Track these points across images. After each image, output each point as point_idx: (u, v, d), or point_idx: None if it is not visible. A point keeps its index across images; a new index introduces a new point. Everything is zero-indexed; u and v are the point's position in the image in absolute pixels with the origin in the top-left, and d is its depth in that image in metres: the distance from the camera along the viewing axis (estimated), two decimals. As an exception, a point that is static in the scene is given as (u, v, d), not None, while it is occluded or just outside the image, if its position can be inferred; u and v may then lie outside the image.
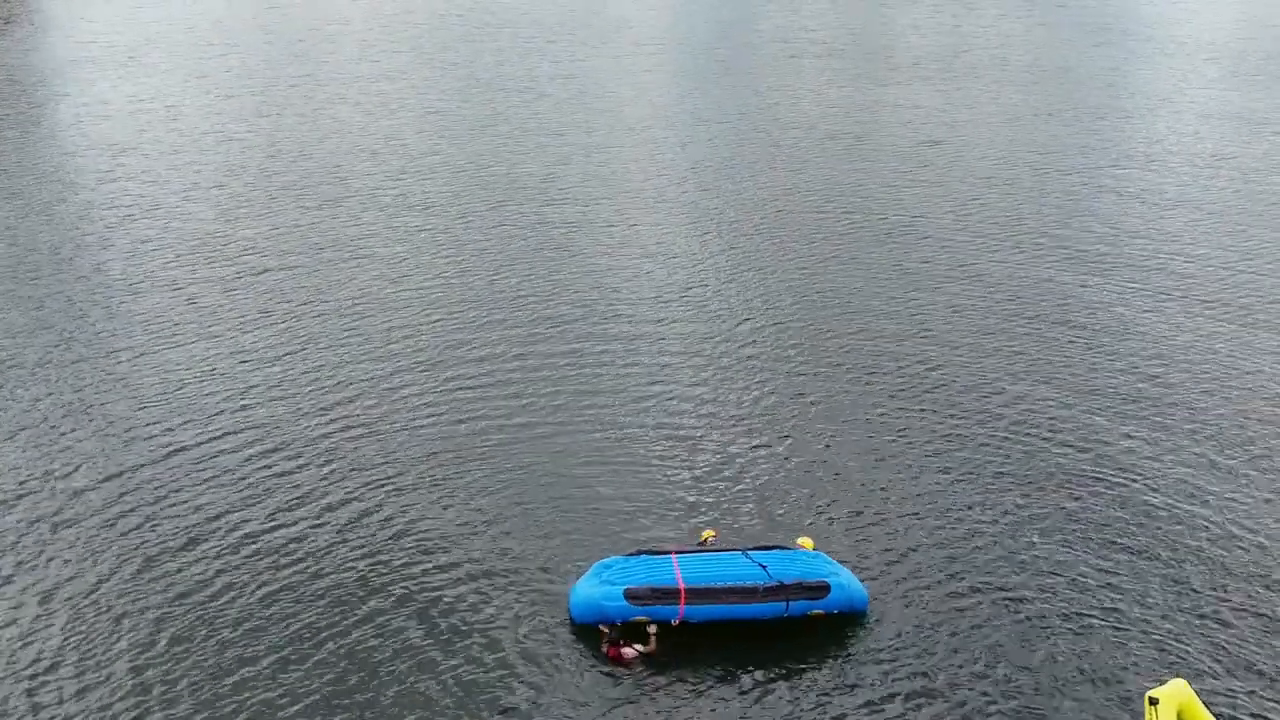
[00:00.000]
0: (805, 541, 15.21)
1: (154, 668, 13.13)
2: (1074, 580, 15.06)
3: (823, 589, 13.98)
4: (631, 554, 14.69)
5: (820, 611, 14.01)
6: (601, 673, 13.30)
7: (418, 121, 36.66)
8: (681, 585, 13.78)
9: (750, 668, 13.42)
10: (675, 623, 13.79)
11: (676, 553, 14.59)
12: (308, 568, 14.89)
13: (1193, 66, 46.80)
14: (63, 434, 17.96)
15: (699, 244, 26.64)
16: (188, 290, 23.33)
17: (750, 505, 16.55)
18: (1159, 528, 16.13)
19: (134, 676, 12.96)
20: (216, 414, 18.55)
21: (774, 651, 13.67)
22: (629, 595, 13.68)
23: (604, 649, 13.57)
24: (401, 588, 14.58)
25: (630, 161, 33.09)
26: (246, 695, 12.72)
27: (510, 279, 24.28)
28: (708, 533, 15.51)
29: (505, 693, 12.93)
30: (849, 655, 13.68)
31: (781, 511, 16.40)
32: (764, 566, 14.22)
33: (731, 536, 15.67)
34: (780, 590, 13.86)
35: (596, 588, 13.88)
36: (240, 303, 22.79)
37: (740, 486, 16.97)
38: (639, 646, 13.58)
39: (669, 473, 17.24)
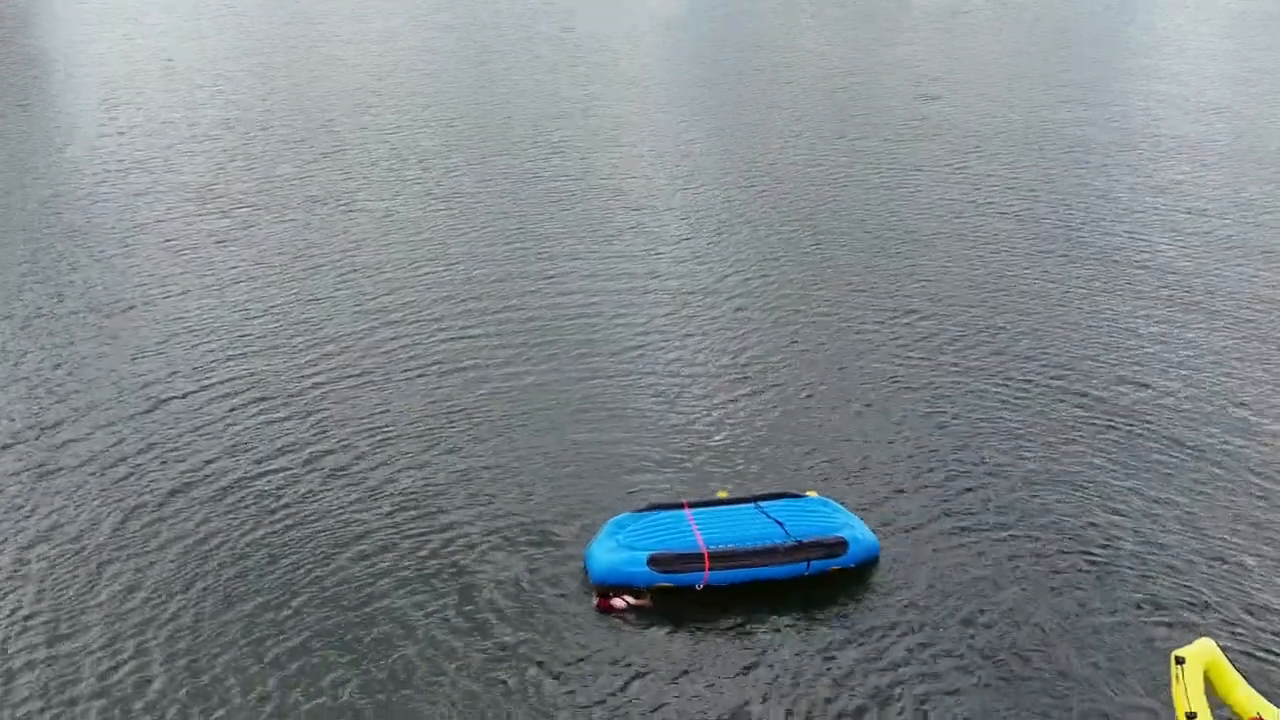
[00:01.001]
0: (812, 493, 14.96)
1: (137, 618, 12.80)
2: (1090, 526, 14.84)
3: (841, 545, 13.74)
4: (643, 509, 14.38)
5: (838, 567, 13.81)
6: (613, 631, 13.00)
7: (414, 79, 36.12)
8: (705, 550, 13.50)
9: (763, 622, 13.15)
10: (699, 588, 13.53)
11: (690, 506, 14.30)
12: (299, 521, 14.55)
13: (1203, 18, 46.35)
14: (55, 386, 17.60)
15: (692, 196, 26.35)
16: (181, 242, 22.92)
17: (753, 453, 16.32)
18: (1182, 470, 15.93)
19: (114, 628, 12.63)
20: (209, 365, 18.23)
21: (787, 604, 13.40)
22: (652, 562, 13.39)
23: (593, 602, 13.32)
24: (398, 542, 14.25)
25: (625, 115, 32.68)
26: (229, 650, 12.39)
27: (504, 230, 24.02)
28: (722, 492, 15.23)
29: (510, 650, 12.64)
30: (861, 607, 13.40)
31: (784, 458, 16.19)
32: (780, 523, 13.94)
33: (737, 483, 15.48)
34: (800, 549, 13.61)
35: (617, 553, 13.53)
36: (234, 255, 22.39)
37: (742, 434, 16.75)
38: (630, 599, 13.31)
39: (671, 423, 16.98)
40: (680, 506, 14.31)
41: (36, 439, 16.18)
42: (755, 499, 14.55)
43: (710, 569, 13.35)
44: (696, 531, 13.73)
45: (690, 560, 13.35)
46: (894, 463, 16.15)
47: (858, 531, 13.99)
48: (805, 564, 13.59)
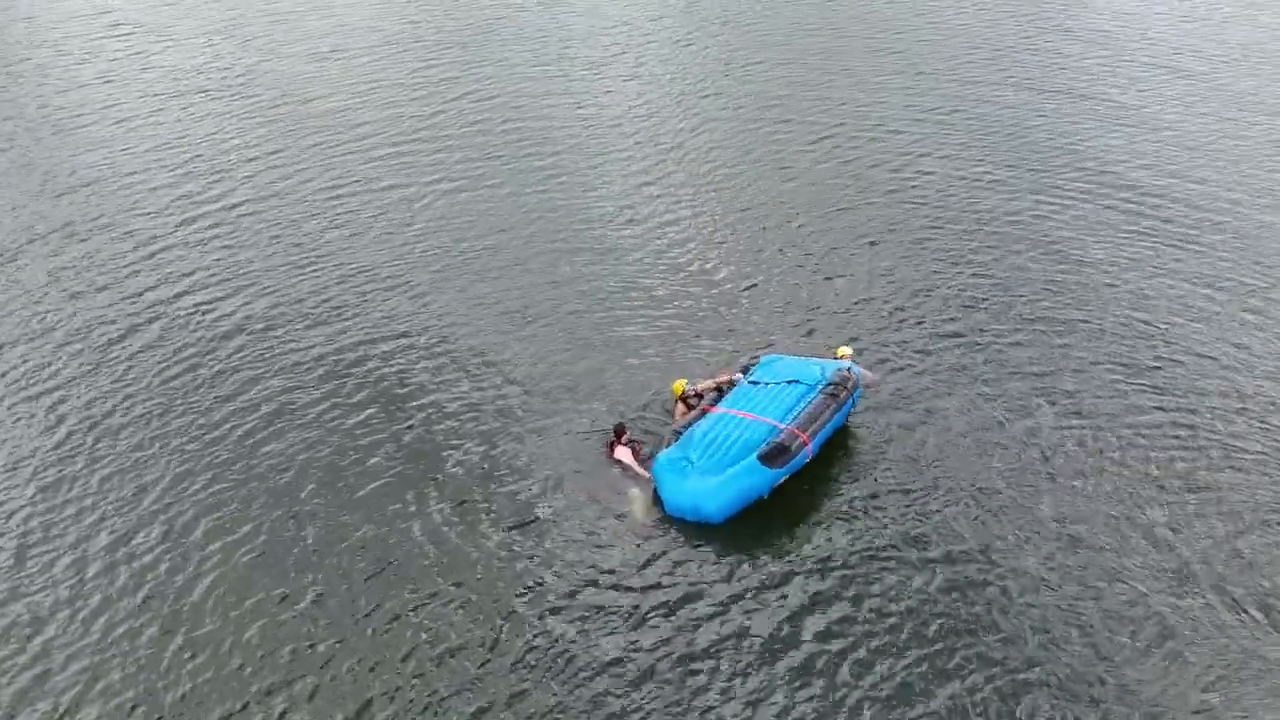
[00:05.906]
0: (844, 350, 15.24)
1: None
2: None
3: (853, 379, 14.41)
4: (674, 439, 13.75)
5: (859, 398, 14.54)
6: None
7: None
8: (793, 428, 13.39)
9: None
10: (805, 462, 13.43)
11: (721, 402, 14.04)
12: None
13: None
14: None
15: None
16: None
17: (704, 345, 16.93)
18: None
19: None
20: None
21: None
22: (765, 459, 13.03)
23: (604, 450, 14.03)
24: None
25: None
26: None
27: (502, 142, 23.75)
28: (686, 382, 14.85)
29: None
30: (880, 440, 14.71)
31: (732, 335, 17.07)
32: (794, 380, 14.19)
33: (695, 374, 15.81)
34: (843, 388, 14.10)
35: (719, 476, 12.93)
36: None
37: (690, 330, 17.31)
38: (630, 456, 13.98)
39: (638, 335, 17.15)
40: (713, 411, 13.89)
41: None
42: (743, 378, 14.58)
43: (809, 441, 13.33)
44: (767, 420, 13.51)
45: (791, 446, 13.28)
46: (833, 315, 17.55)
47: (846, 365, 14.67)
48: (851, 400, 14.13)
